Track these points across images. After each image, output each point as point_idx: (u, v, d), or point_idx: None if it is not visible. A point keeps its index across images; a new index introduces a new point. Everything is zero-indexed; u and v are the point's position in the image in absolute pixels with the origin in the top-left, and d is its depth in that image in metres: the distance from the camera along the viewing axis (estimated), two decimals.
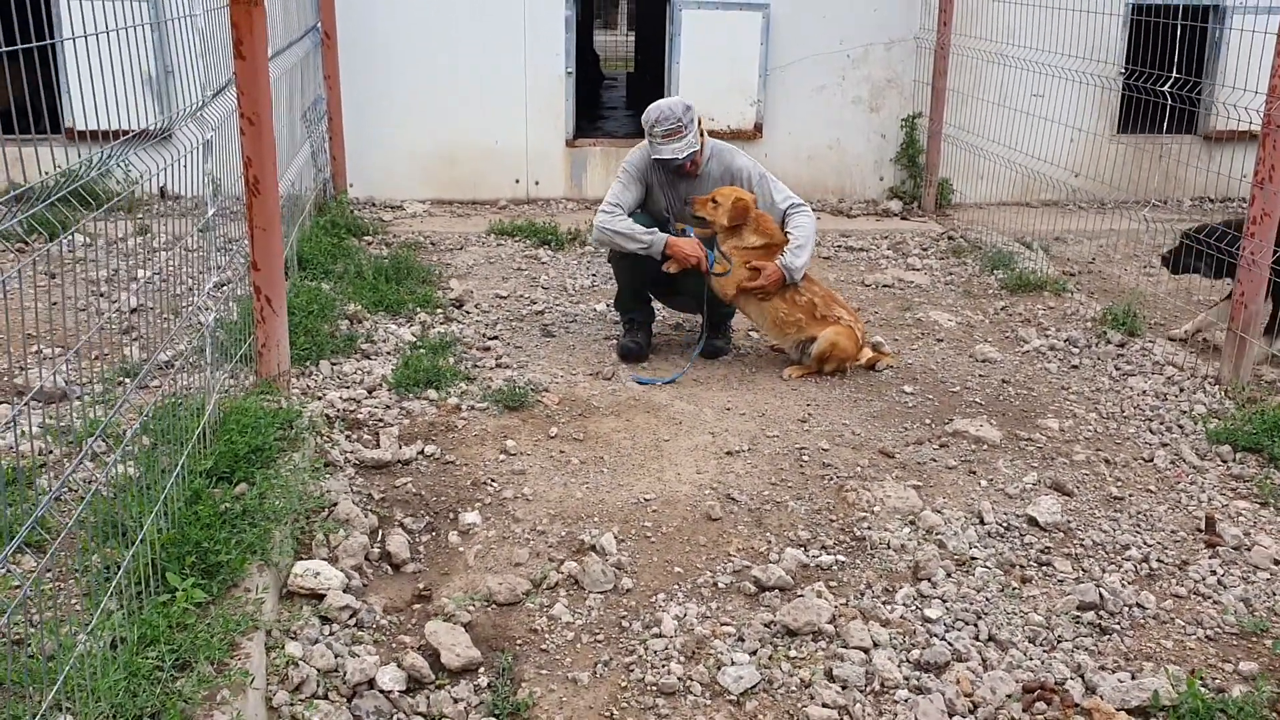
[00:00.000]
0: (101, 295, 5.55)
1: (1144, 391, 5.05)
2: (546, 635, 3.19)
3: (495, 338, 5.61)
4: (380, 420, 4.51)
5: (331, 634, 3.10)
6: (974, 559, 3.62)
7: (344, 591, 3.25)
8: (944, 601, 3.37)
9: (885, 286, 6.77)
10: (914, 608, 3.34)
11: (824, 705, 2.90)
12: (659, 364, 5.37)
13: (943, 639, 3.18)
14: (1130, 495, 4.11)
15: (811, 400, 4.94)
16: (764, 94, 8.61)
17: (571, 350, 5.49)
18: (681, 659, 3.08)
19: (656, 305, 5.69)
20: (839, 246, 7.68)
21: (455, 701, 2.88)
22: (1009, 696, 2.95)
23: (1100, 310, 6.11)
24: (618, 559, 3.57)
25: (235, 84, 3.92)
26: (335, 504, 3.68)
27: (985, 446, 4.48)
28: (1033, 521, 3.86)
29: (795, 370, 5.23)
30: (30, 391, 3.05)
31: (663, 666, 3.04)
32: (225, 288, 4.35)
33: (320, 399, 4.57)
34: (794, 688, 2.98)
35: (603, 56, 16.77)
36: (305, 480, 3.69)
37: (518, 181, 8.68)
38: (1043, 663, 3.10)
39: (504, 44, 8.35)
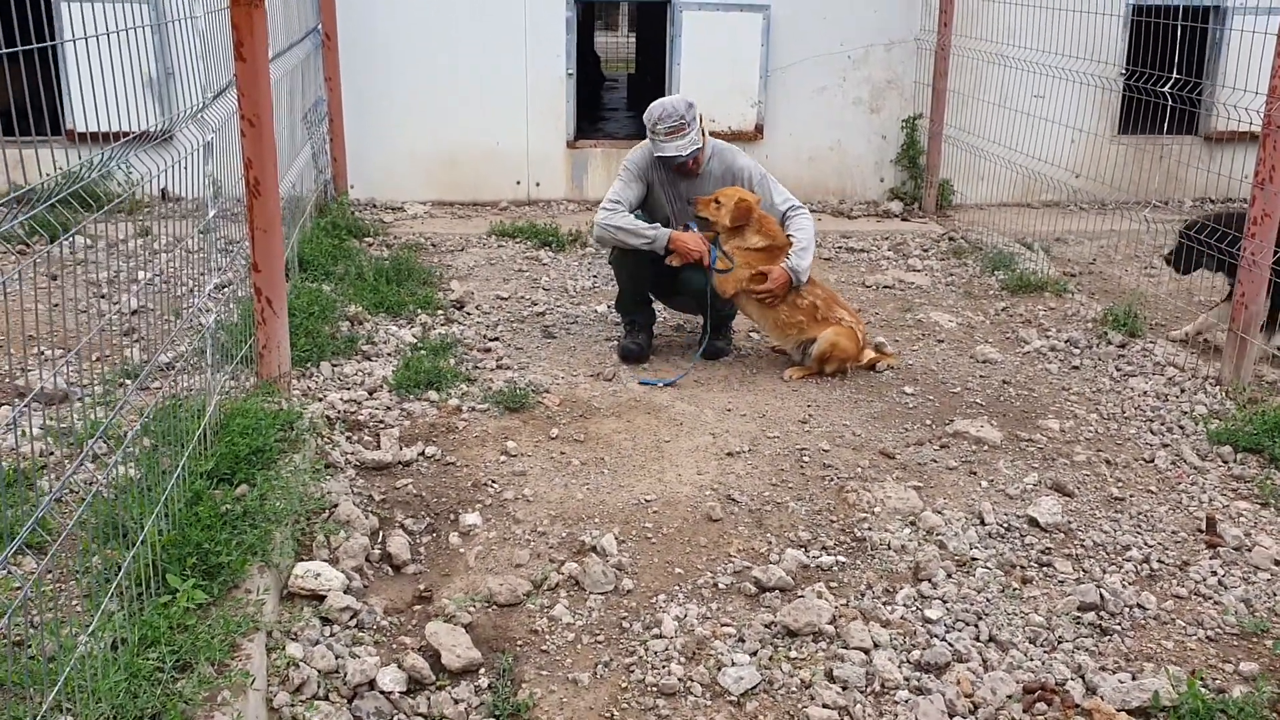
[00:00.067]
0: (102, 297, 5.56)
1: (1145, 392, 5.05)
2: (547, 636, 3.19)
3: (496, 339, 5.61)
4: (381, 421, 4.51)
5: (332, 635, 3.11)
6: (974, 560, 3.62)
7: (345, 593, 3.25)
8: (944, 602, 3.37)
9: (886, 287, 6.77)
10: (914, 608, 3.34)
11: (824, 706, 2.90)
12: (660, 365, 5.37)
13: (943, 640, 3.18)
14: (1131, 496, 4.11)
15: (812, 401, 4.94)
16: (765, 95, 8.61)
17: (572, 351, 5.49)
18: (682, 660, 3.08)
19: (657, 306, 5.70)
20: (840, 248, 7.68)
21: (456, 702, 2.88)
22: (1009, 697, 2.94)
23: (1101, 311, 6.11)
24: (618, 560, 3.57)
25: (236, 86, 3.93)
26: (336, 505, 3.69)
27: (986, 447, 4.48)
28: (1033, 522, 3.86)
29: (796, 371, 5.24)
30: (31, 393, 3.05)
31: (663, 667, 3.05)
32: (226, 289, 4.36)
33: (321, 400, 4.58)
34: (794, 688, 2.98)
35: (604, 58, 16.79)
36: (306, 481, 3.69)
37: (519, 183, 8.69)
38: (1043, 663, 3.10)
39: (505, 45, 8.36)
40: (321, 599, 3.21)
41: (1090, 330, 5.87)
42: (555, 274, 6.86)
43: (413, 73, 8.28)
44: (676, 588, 3.45)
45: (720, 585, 3.47)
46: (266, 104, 3.98)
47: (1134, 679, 3.00)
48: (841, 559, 3.62)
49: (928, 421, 4.74)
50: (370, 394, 4.74)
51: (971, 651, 3.13)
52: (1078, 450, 4.47)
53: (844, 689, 2.96)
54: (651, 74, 11.52)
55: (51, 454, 3.75)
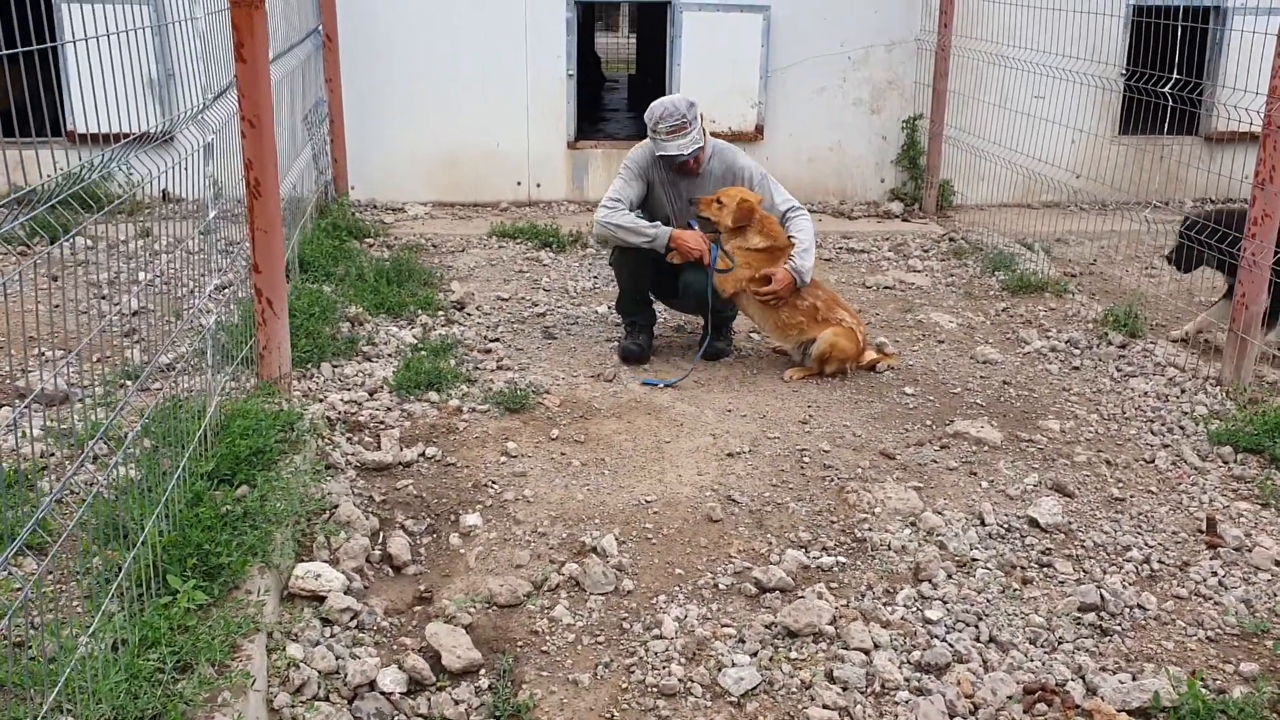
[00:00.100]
0: (103, 298, 5.56)
1: (1145, 393, 5.04)
2: (547, 637, 3.19)
3: (496, 340, 5.61)
4: (381, 422, 4.51)
5: (332, 636, 3.11)
6: (975, 560, 3.62)
7: (345, 593, 3.25)
8: (945, 603, 3.37)
9: (886, 288, 6.77)
10: (915, 609, 3.34)
11: (824, 706, 2.90)
12: (660, 366, 5.37)
13: (943, 640, 3.18)
14: (1131, 496, 4.11)
15: (812, 402, 4.94)
16: (765, 96, 8.62)
17: (573, 352, 5.49)
18: (682, 660, 3.08)
19: (658, 307, 5.70)
20: (840, 248, 7.68)
21: (456, 703, 2.89)
22: (1010, 698, 2.94)
23: (1101, 311, 6.11)
24: (619, 561, 3.57)
25: (236, 87, 3.93)
26: (336, 506, 3.69)
27: (986, 448, 4.48)
28: (1034, 523, 3.86)
29: (796, 372, 5.24)
30: (32, 394, 3.05)
31: (663, 668, 3.05)
32: (226, 290, 4.36)
33: (321, 401, 4.58)
34: (794, 689, 2.98)
35: (604, 59, 16.79)
36: (306, 482, 3.69)
37: (519, 184, 8.69)
38: (1043, 664, 3.10)
39: (505, 45, 8.36)
40: (322, 600, 3.21)
41: (1091, 331, 5.87)
42: (556, 275, 6.86)
43: (413, 73, 8.28)
44: (677, 588, 3.45)
45: (720, 586, 3.47)
46: (267, 105, 3.98)
47: (1134, 679, 3.00)
48: (842, 560, 3.62)
49: (928, 422, 4.74)
50: (371, 395, 4.74)
51: (972, 652, 3.13)
52: (1078, 451, 4.47)
53: (844, 690, 2.97)
54: (652, 75, 11.53)
55: (52, 455, 3.75)
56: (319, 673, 2.89)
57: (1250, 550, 3.70)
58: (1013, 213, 8.04)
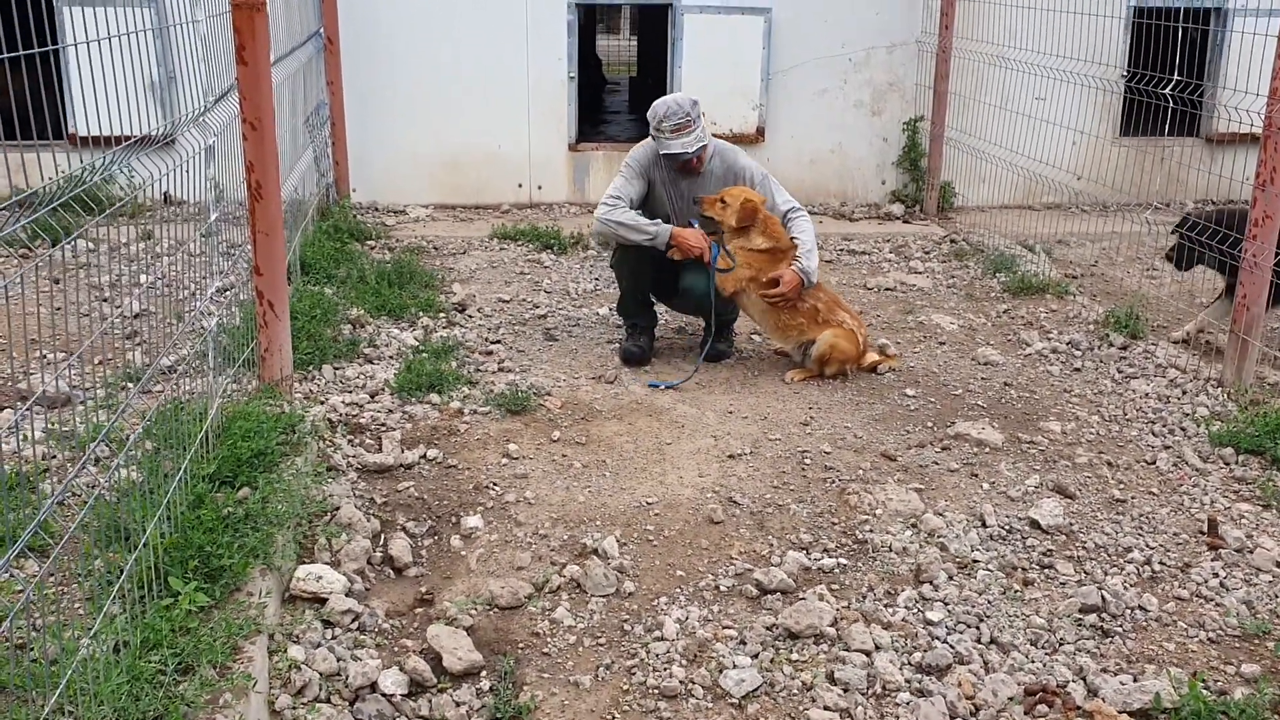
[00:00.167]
0: (105, 300, 5.57)
1: (1146, 394, 5.04)
2: (548, 639, 3.19)
3: (498, 342, 5.61)
4: (383, 424, 4.52)
5: (334, 637, 3.11)
6: (976, 562, 3.62)
7: (346, 595, 3.25)
8: (946, 604, 3.37)
9: (887, 290, 6.77)
10: (916, 610, 3.34)
11: (825, 708, 2.90)
12: (661, 367, 5.37)
13: (944, 641, 3.18)
14: (1132, 498, 4.11)
15: (813, 403, 4.94)
16: (766, 98, 8.62)
17: (574, 354, 5.49)
18: (683, 662, 3.09)
19: (659, 308, 5.70)
20: (841, 250, 7.69)
21: (457, 705, 2.89)
22: (1011, 699, 2.95)
23: (1102, 313, 6.11)
24: (620, 562, 3.57)
25: (238, 89, 3.94)
26: (338, 508, 3.69)
27: (987, 449, 4.48)
28: (1035, 524, 3.86)
29: (797, 373, 5.24)
30: (34, 396, 3.06)
31: (664, 669, 3.05)
32: (228, 293, 4.37)
33: (323, 403, 4.58)
34: (795, 690, 2.98)
35: (605, 61, 16.80)
36: (308, 484, 3.70)
37: (520, 186, 8.69)
38: (1044, 665, 3.10)
39: (506, 47, 8.37)
40: (323, 602, 3.21)
41: (1092, 332, 5.87)
42: (557, 277, 6.87)
43: (415, 76, 8.29)
44: (678, 590, 3.45)
45: (722, 587, 3.47)
46: (268, 107, 3.99)
47: (1135, 681, 3.00)
48: (843, 561, 3.62)
49: (929, 424, 4.74)
50: (372, 397, 4.75)
51: (973, 653, 3.13)
52: (1079, 452, 4.47)
53: (845, 691, 2.97)
54: (653, 77, 11.54)
55: (54, 457, 3.76)
56: (320, 674, 2.89)
57: (1251, 552, 3.70)
58: (1014, 214, 8.04)
